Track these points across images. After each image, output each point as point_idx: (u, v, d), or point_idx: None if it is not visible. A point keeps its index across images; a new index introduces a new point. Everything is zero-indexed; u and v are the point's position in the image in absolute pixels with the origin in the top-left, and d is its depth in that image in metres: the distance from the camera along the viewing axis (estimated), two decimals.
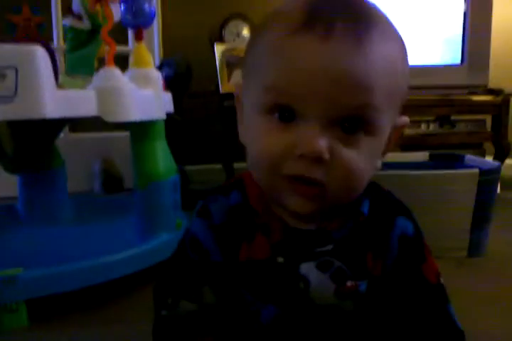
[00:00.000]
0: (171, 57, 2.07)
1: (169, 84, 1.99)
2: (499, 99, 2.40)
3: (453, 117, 2.42)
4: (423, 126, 2.34)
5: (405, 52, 0.45)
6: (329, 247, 0.49)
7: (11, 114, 0.92)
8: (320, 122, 0.41)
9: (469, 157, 1.56)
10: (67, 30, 1.45)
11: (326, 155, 0.41)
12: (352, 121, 0.42)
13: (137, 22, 1.14)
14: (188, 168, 2.18)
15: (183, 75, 1.99)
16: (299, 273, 0.49)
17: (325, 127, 0.41)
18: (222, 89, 2.05)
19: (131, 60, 1.17)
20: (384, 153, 0.48)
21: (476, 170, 1.26)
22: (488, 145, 2.52)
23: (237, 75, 2.09)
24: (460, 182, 1.27)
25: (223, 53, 2.07)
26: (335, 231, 0.50)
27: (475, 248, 1.33)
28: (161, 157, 1.19)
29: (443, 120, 2.38)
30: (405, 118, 0.49)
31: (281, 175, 0.43)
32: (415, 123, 2.32)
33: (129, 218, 1.28)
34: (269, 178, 0.44)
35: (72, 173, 1.73)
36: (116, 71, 1.06)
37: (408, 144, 2.30)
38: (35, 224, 1.40)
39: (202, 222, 0.53)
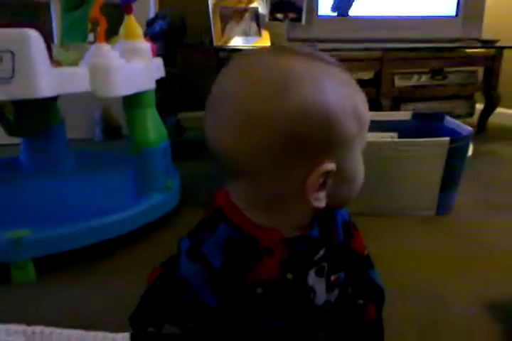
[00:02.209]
0: (165, 10, 2.08)
1: (164, 37, 2.03)
2: (492, 51, 2.42)
3: (445, 69, 2.45)
4: (414, 78, 2.38)
5: None
6: (322, 252, 0.53)
7: (9, 94, 1.01)
8: None
9: (448, 118, 1.63)
10: None
11: None
12: None
13: None
14: (184, 115, 2.26)
15: (177, 28, 2.01)
16: (308, 285, 0.52)
17: None
18: (215, 42, 2.08)
19: (121, 32, 1.22)
20: None
21: (447, 139, 1.35)
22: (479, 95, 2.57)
23: (230, 28, 2.11)
24: (431, 149, 1.36)
25: (216, 5, 2.08)
26: (312, 233, 0.53)
27: (442, 207, 1.45)
28: (152, 125, 1.28)
29: (435, 72, 2.41)
30: None
31: None
32: (406, 75, 2.36)
33: (125, 171, 1.38)
34: None
35: (74, 122, 1.82)
36: (107, 48, 1.12)
37: (399, 96, 2.36)
38: (37, 176, 1.50)
39: (197, 267, 0.49)
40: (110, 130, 2.30)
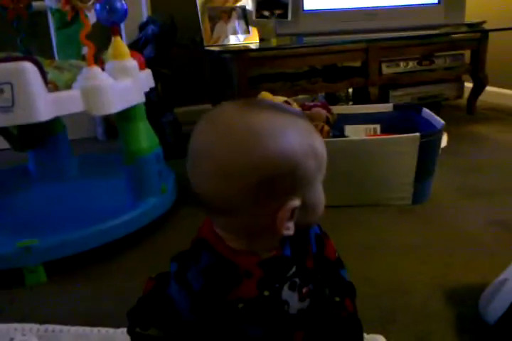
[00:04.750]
0: (156, 14, 2.18)
1: (155, 40, 2.14)
2: (478, 35, 2.48)
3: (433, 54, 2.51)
4: (402, 65, 2.45)
5: None
6: (294, 269, 0.63)
7: (11, 120, 1.13)
8: None
9: (425, 110, 1.73)
10: (52, 11, 1.60)
11: None
12: None
13: (112, 19, 1.29)
14: (180, 109, 2.37)
15: (167, 31, 2.11)
16: (282, 299, 0.62)
17: None
18: (205, 42, 2.17)
19: (109, 52, 1.33)
20: None
21: (417, 135, 1.45)
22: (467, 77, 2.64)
23: (220, 28, 2.20)
24: (403, 144, 1.47)
25: (204, 6, 2.17)
26: (284, 253, 0.63)
27: (418, 197, 1.56)
28: (144, 135, 1.39)
29: (422, 58, 2.48)
30: None
31: None
32: (393, 63, 2.43)
33: (124, 175, 1.49)
34: None
35: (78, 122, 1.88)
36: (97, 70, 1.23)
37: (387, 84, 2.44)
38: (43, 185, 1.66)
39: (181, 289, 0.61)
40: (111, 129, 2.42)
